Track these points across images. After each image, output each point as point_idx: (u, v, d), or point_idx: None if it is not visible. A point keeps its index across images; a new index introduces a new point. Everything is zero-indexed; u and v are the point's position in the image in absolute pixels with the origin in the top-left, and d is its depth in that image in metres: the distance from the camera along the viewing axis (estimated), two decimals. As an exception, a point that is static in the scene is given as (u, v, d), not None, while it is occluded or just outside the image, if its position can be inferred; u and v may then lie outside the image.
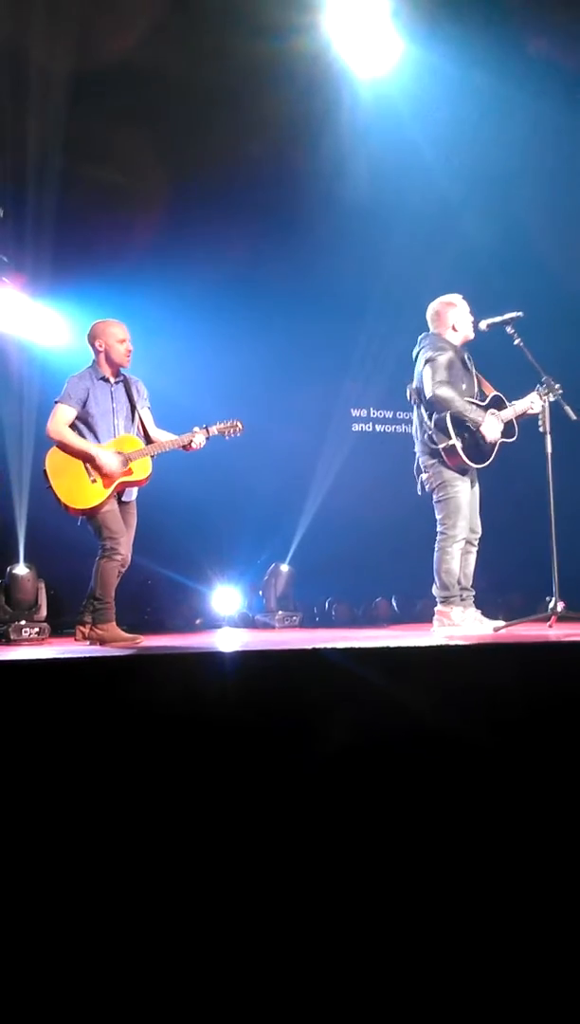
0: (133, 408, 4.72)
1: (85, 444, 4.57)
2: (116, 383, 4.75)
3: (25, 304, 7.98)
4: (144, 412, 4.76)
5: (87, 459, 4.54)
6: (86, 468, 4.56)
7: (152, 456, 4.63)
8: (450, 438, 4.70)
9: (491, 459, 4.79)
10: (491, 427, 4.71)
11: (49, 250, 7.52)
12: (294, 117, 7.35)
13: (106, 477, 4.53)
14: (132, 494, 4.73)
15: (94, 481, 4.53)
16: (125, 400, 4.73)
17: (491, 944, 2.33)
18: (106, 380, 4.73)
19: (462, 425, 4.71)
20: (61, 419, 4.63)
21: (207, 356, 7.96)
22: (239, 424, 4.79)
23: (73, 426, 4.64)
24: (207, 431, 4.70)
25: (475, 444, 4.72)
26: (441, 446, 4.74)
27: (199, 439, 4.67)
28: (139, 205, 7.75)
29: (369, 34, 6.77)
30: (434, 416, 4.77)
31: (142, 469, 4.59)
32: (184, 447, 4.68)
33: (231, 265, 8.04)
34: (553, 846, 2.48)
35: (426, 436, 4.84)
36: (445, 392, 4.69)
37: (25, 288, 7.87)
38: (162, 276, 7.69)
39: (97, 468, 4.52)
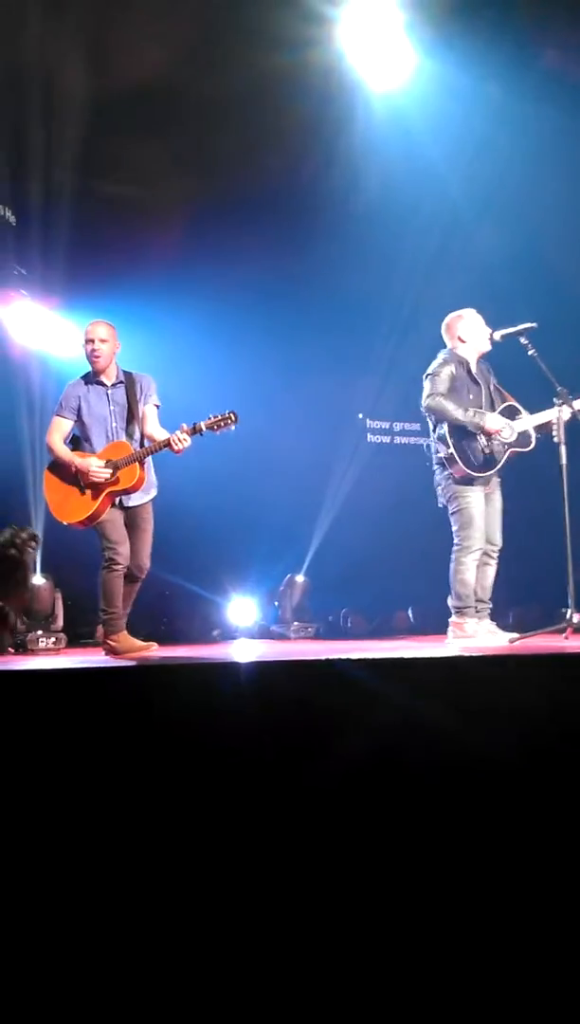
0: (132, 409, 4.61)
1: (70, 456, 4.56)
2: (114, 385, 4.66)
3: (42, 316, 8.05)
4: (147, 409, 4.63)
5: (74, 471, 4.52)
6: (76, 479, 4.53)
7: (141, 461, 4.49)
8: (448, 447, 4.74)
9: (496, 468, 4.77)
10: (493, 420, 4.72)
11: (66, 262, 7.59)
12: (308, 130, 7.38)
13: (93, 488, 4.49)
14: (140, 498, 4.62)
15: (84, 493, 4.51)
16: (124, 402, 4.63)
17: (506, 962, 2.32)
18: (101, 383, 4.66)
19: (462, 434, 4.73)
20: (54, 431, 4.64)
21: (222, 366, 8.00)
22: (232, 416, 4.45)
23: (75, 435, 4.64)
24: (194, 429, 4.42)
25: (477, 453, 4.73)
26: (442, 455, 4.81)
27: (178, 438, 4.37)
28: (154, 217, 7.81)
29: (383, 47, 6.79)
30: (437, 427, 4.85)
31: (128, 477, 4.47)
32: (167, 446, 4.43)
33: (247, 276, 8.08)
34: (567, 854, 2.47)
35: (433, 448, 4.92)
36: (435, 403, 4.76)
37: (42, 300, 7.95)
38: (177, 287, 7.74)
39: (85, 479, 4.49)
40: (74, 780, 2.38)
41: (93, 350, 4.60)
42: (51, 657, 5.52)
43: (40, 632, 6.00)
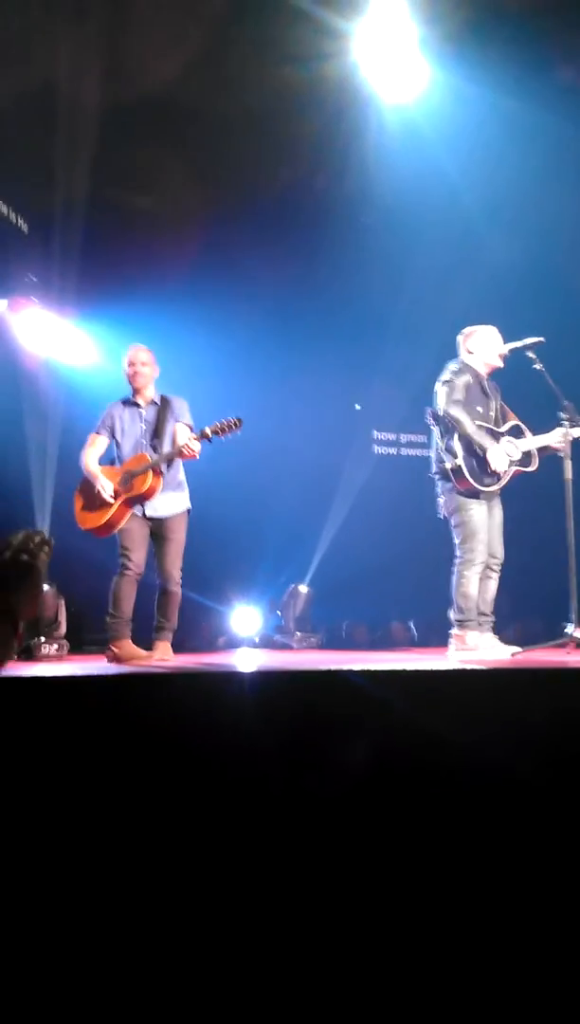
0: (159, 427, 4.82)
1: (91, 469, 4.83)
2: (148, 405, 4.90)
3: (53, 324, 8.09)
4: (178, 427, 4.84)
5: (94, 482, 4.78)
6: (99, 490, 4.78)
7: (155, 469, 4.69)
8: (456, 458, 4.70)
9: (501, 483, 4.75)
10: (497, 456, 4.67)
11: (78, 271, 7.63)
12: (321, 142, 7.41)
13: (110, 496, 4.72)
14: (164, 511, 4.79)
15: (102, 503, 4.73)
16: (154, 420, 4.86)
17: (507, 971, 2.31)
18: (136, 404, 4.91)
19: (470, 447, 4.71)
20: (88, 446, 4.92)
21: (231, 375, 8.03)
22: (237, 422, 4.62)
23: (110, 450, 4.91)
24: (201, 434, 4.64)
25: (483, 467, 4.71)
26: (448, 466, 4.76)
27: (187, 446, 4.62)
28: (167, 227, 7.84)
29: (396, 61, 6.82)
30: (445, 437, 4.81)
31: (140, 483, 4.68)
32: (180, 454, 4.70)
33: (258, 286, 8.11)
34: (567, 868, 2.46)
35: (438, 457, 4.88)
36: (456, 412, 4.73)
37: (53, 308, 7.99)
38: (188, 297, 7.78)
39: (101, 490, 4.73)
40: (74, 788, 2.38)
41: (135, 372, 4.90)
42: (53, 664, 5.53)
43: (43, 639, 6.01)
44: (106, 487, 4.71)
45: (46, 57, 6.41)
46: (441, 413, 4.80)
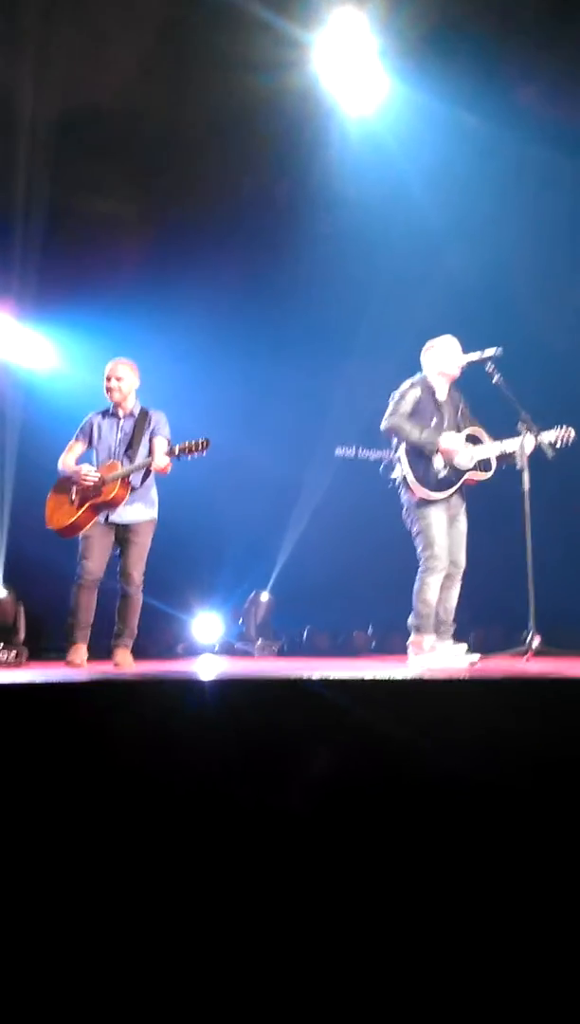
0: (134, 438, 4.93)
1: (68, 464, 4.94)
2: (126, 417, 4.99)
3: (11, 327, 8.02)
4: (156, 441, 4.91)
5: (68, 479, 4.89)
6: (70, 491, 4.88)
7: (125, 478, 4.80)
8: (403, 469, 4.80)
9: (451, 491, 4.79)
10: (448, 440, 4.76)
11: (37, 275, 7.57)
12: (283, 152, 7.46)
13: (80, 499, 4.84)
14: (129, 517, 4.87)
15: (72, 504, 4.85)
16: (131, 432, 4.97)
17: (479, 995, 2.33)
18: (114, 415, 5.01)
19: (416, 456, 4.78)
20: (66, 451, 5.03)
21: (192, 383, 8.01)
22: (204, 442, 4.69)
23: (87, 457, 5.02)
24: (169, 451, 4.75)
25: (431, 475, 4.77)
26: (396, 477, 4.89)
27: (160, 460, 4.73)
28: (129, 235, 7.83)
29: (357, 72, 6.88)
30: (395, 450, 4.93)
31: (108, 490, 4.79)
32: (148, 468, 4.83)
33: (219, 295, 8.11)
34: (524, 875, 2.48)
35: (391, 469, 4.99)
36: (393, 422, 4.84)
37: (11, 312, 7.92)
38: (151, 305, 7.75)
39: (73, 486, 4.86)
40: (29, 798, 2.35)
41: (109, 387, 4.99)
42: (10, 670, 5.46)
43: (0, 645, 5.94)
44: (89, 470, 4.81)
45: (3, 64, 6.37)
46: (382, 428, 4.92)
